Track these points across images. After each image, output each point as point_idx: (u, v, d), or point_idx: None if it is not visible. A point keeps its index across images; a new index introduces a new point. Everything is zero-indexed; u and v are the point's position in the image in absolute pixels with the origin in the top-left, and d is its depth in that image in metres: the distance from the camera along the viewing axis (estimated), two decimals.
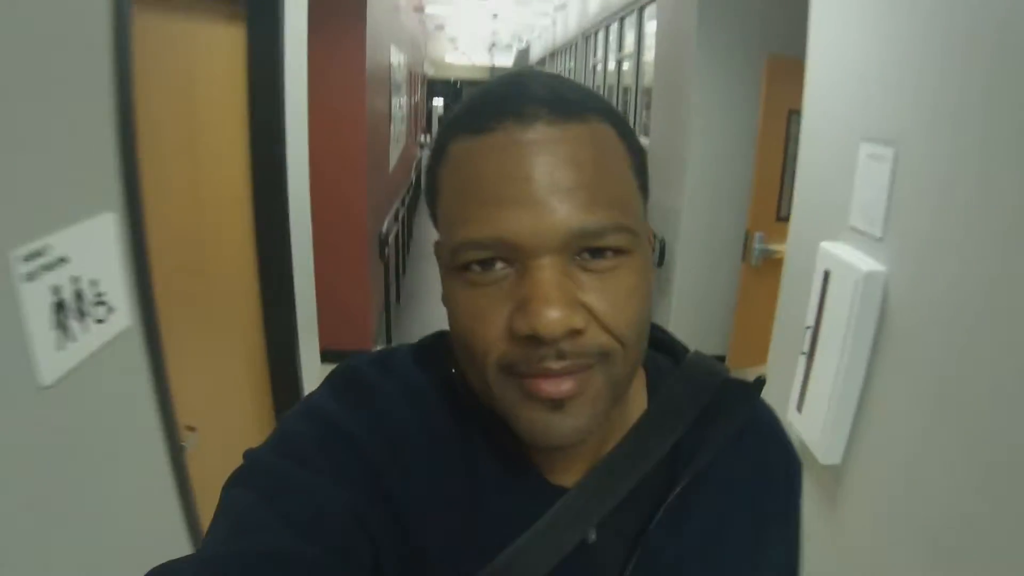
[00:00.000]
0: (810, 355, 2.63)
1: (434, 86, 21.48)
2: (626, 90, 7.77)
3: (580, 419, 0.57)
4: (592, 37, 10.33)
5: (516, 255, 0.55)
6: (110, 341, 1.44)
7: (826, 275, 2.52)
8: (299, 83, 3.00)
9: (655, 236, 0.68)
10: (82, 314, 1.34)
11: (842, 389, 2.41)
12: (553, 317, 0.53)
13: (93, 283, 1.37)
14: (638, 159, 0.63)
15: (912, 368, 2.10)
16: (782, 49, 3.65)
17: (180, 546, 1.78)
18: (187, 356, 1.96)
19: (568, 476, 0.66)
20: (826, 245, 2.57)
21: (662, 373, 0.73)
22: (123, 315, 1.49)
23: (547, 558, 0.61)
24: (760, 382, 0.74)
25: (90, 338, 1.37)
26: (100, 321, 1.40)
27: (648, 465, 0.66)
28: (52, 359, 1.25)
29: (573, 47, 12.52)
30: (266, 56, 2.63)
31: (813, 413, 2.59)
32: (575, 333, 0.55)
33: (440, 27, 17.73)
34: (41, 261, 1.21)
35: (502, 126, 0.56)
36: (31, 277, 1.19)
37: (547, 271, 0.54)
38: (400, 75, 7.95)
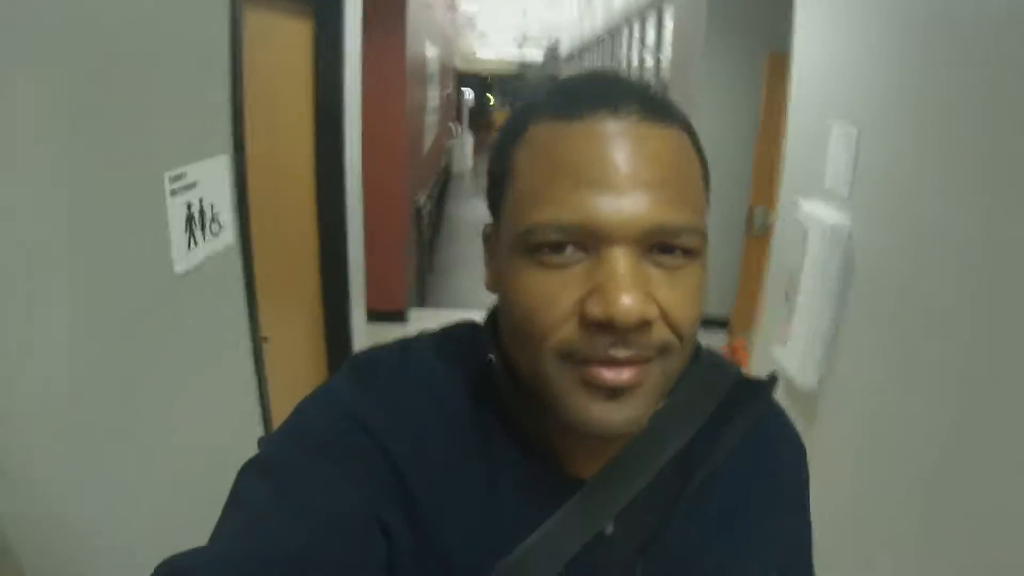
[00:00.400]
0: (792, 297, 3.02)
1: (464, 79, 21.79)
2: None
3: (636, 410, 0.58)
4: (618, 34, 10.67)
5: (593, 241, 0.56)
6: (220, 251, 1.90)
7: (805, 228, 2.90)
8: (354, 70, 3.44)
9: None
10: (203, 226, 1.79)
11: (816, 322, 2.78)
12: (630, 304, 0.53)
13: (212, 205, 1.82)
14: (706, 171, 0.64)
15: (873, 303, 2.46)
16: (781, 48, 3.98)
17: (254, 424, 2.24)
18: (264, 282, 2.40)
19: (586, 468, 0.66)
20: (805, 206, 2.95)
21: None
22: (229, 233, 1.95)
23: (565, 549, 0.62)
24: (772, 380, 0.75)
25: (208, 245, 1.82)
26: (215, 235, 1.85)
27: (665, 459, 0.66)
28: (184, 256, 1.69)
29: (600, 43, 12.83)
30: (329, 47, 3.08)
31: (793, 345, 2.95)
32: (645, 325, 0.55)
33: (471, 22, 18.05)
34: (181, 183, 1.66)
35: (597, 115, 0.57)
36: (175, 193, 1.64)
37: (624, 259, 0.55)
38: (433, 67, 8.38)
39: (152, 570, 0.52)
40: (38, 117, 1.19)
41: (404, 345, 0.71)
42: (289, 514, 0.56)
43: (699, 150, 0.63)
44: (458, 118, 17.24)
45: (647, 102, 0.59)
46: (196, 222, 1.74)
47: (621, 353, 0.55)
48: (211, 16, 1.83)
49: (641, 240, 0.55)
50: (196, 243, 1.75)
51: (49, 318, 1.24)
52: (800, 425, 0.80)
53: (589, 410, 0.57)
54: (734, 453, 0.70)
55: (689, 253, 0.58)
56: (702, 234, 0.59)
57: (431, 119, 8.25)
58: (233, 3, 1.88)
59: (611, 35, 11.31)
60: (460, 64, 19.62)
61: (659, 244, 0.56)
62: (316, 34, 3.03)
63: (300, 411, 0.66)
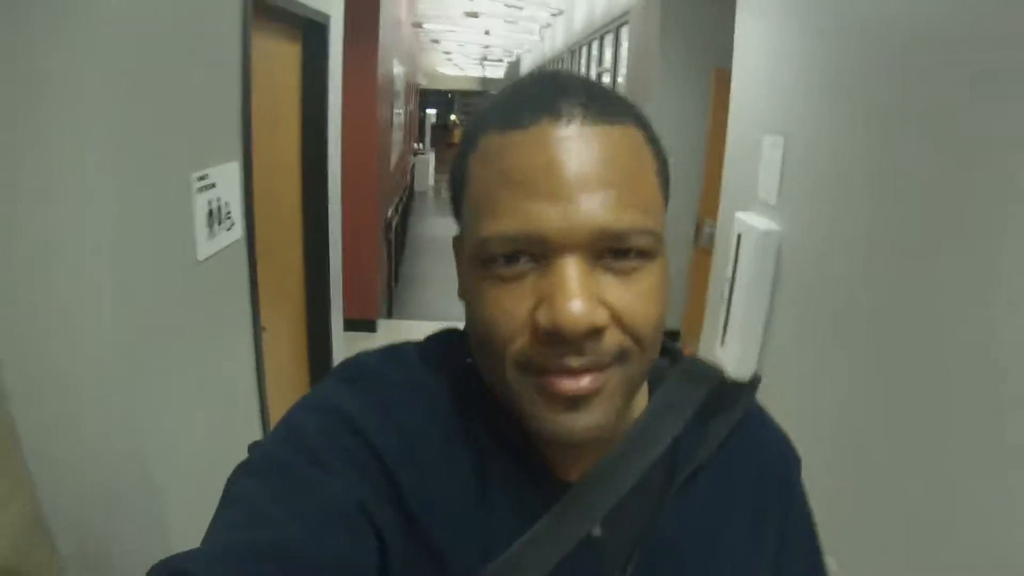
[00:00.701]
0: (729, 300, 3.32)
1: (426, 96, 22.01)
2: None
3: (597, 417, 0.58)
4: (577, 52, 11.02)
5: (542, 250, 0.56)
6: (231, 243, 2.19)
7: (739, 237, 3.22)
8: (336, 90, 3.77)
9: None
10: (220, 221, 2.08)
11: (751, 322, 3.08)
12: (576, 312, 0.53)
13: (226, 204, 2.12)
14: (663, 166, 0.64)
15: (800, 301, 2.76)
16: (726, 65, 4.34)
17: (252, 392, 2.52)
18: (261, 279, 2.68)
19: (573, 471, 0.67)
20: (740, 214, 3.28)
21: (661, 372, 0.74)
22: (238, 229, 2.24)
23: (553, 552, 0.62)
24: (755, 380, 0.76)
25: (222, 238, 2.11)
26: (228, 229, 2.15)
27: (650, 460, 0.67)
28: (204, 245, 1.98)
29: (560, 61, 13.19)
30: (315, 69, 3.41)
31: (731, 345, 3.26)
32: (596, 333, 0.55)
33: (435, 41, 18.27)
34: (204, 183, 1.96)
35: (537, 122, 0.56)
36: (199, 191, 1.93)
37: (572, 267, 0.55)
38: (400, 86, 8.67)
39: (154, 563, 0.53)
40: (97, 126, 1.50)
41: (391, 350, 0.72)
42: (284, 512, 0.56)
43: (654, 143, 0.63)
44: (421, 136, 17.51)
45: (592, 102, 0.58)
46: (215, 217, 2.04)
47: (574, 362, 0.56)
48: (227, 44, 2.14)
49: (589, 246, 0.55)
50: (214, 235, 2.04)
51: (104, 288, 1.55)
52: None
53: (549, 420, 0.58)
54: (719, 452, 0.71)
55: (644, 254, 0.58)
56: (654, 234, 0.58)
57: (397, 136, 8.50)
58: (244, 33, 2.19)
59: (571, 53, 11.65)
60: (423, 81, 19.84)
61: (611, 248, 0.56)
62: (304, 56, 3.34)
63: (291, 415, 0.65)
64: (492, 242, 0.56)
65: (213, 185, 2.01)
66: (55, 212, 1.44)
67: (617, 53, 7.87)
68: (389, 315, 6.49)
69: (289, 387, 3.44)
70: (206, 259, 2.00)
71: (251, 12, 2.22)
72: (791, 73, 2.92)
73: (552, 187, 0.55)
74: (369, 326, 5.85)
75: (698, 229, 5.15)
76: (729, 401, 0.73)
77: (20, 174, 1.38)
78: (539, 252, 0.56)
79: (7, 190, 1.38)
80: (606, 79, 8.53)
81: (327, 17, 3.34)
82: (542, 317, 0.55)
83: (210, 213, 2.00)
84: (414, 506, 0.62)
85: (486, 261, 0.58)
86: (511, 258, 0.56)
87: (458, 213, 0.65)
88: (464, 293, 0.64)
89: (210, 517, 0.58)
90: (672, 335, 5.60)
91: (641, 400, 0.71)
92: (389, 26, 6.33)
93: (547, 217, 0.54)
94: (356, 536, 0.57)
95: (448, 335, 0.74)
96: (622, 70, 7.54)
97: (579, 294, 0.54)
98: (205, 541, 0.55)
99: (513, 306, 0.57)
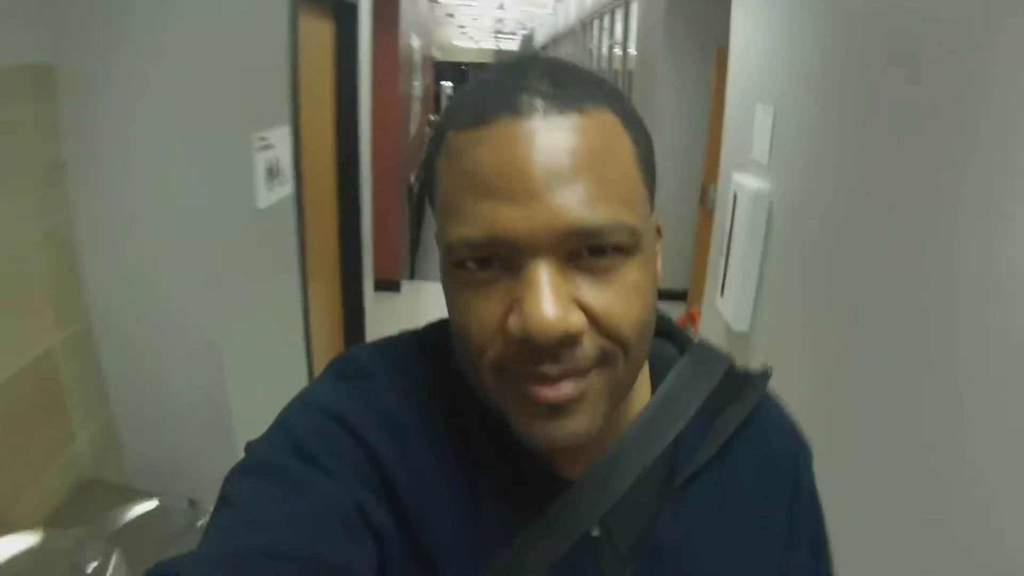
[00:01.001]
0: (727, 254, 3.60)
1: (442, 69, 22.07)
2: (616, 73, 8.74)
3: (580, 424, 0.55)
4: (589, 25, 11.24)
5: (511, 254, 0.52)
6: (284, 197, 2.53)
7: (735, 195, 3.50)
8: (365, 63, 4.09)
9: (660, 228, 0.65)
10: (275, 177, 2.41)
11: (746, 274, 3.35)
12: (548, 319, 0.50)
13: (280, 162, 2.45)
14: (644, 149, 0.59)
15: (788, 253, 3.02)
16: (727, 44, 4.54)
17: (298, 321, 2.87)
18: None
19: (572, 469, 0.65)
20: (736, 175, 3.56)
21: (667, 362, 0.71)
22: (289, 185, 2.58)
23: (551, 552, 0.60)
24: (766, 373, 0.73)
25: (277, 192, 2.45)
26: (281, 185, 2.48)
27: (651, 457, 0.64)
28: (263, 196, 2.32)
29: (573, 34, 13.37)
30: (346, 44, 3.71)
31: (729, 295, 3.54)
32: (572, 340, 0.52)
33: (450, 15, 18.38)
34: (264, 143, 2.29)
35: (498, 119, 0.52)
36: (260, 150, 2.26)
37: (542, 270, 0.51)
38: (417, 59, 8.92)
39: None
40: (182, 102, 1.85)
41: (385, 345, 0.70)
42: (280, 514, 0.54)
43: (634, 128, 0.58)
44: (437, 108, 17.68)
45: (557, 89, 0.54)
46: (272, 173, 2.37)
47: (551, 369, 0.53)
48: (278, 20, 2.47)
49: (560, 246, 0.51)
50: (270, 189, 2.38)
51: (185, 223, 1.91)
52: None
53: (532, 427, 0.56)
54: (725, 447, 0.67)
55: (622, 250, 0.54)
56: (632, 228, 0.54)
57: (415, 107, 8.79)
58: (292, 12, 2.52)
59: (583, 26, 11.84)
60: (438, 54, 19.93)
61: (586, 246, 0.52)
62: (336, 35, 3.64)
63: (285, 415, 0.64)
64: (458, 248, 0.53)
65: (271, 146, 2.34)
66: (154, 166, 1.80)
67: (627, 27, 8.06)
68: (412, 277, 6.86)
69: (326, 339, 3.77)
70: (264, 209, 2.33)
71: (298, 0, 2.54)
72: (781, 50, 3.17)
73: (515, 187, 0.51)
74: (394, 286, 6.18)
75: (704, 192, 5.43)
76: (736, 395, 0.70)
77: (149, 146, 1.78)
78: (508, 256, 0.52)
79: (123, 151, 1.74)
80: (617, 52, 8.76)
81: None
82: (512, 324, 0.52)
83: (268, 170, 2.33)
84: (408, 504, 0.60)
85: (456, 265, 0.55)
86: (483, 262, 0.54)
87: (433, 209, 0.61)
88: (444, 292, 0.60)
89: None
90: (680, 295, 5.96)
91: (645, 392, 0.69)
92: (407, 1, 6.61)
93: (512, 220, 0.51)
94: (354, 538, 0.56)
95: (442, 327, 0.69)
96: (632, 45, 7.77)
97: (550, 299, 0.50)
98: (202, 544, 0.54)
99: (486, 312, 0.54)
